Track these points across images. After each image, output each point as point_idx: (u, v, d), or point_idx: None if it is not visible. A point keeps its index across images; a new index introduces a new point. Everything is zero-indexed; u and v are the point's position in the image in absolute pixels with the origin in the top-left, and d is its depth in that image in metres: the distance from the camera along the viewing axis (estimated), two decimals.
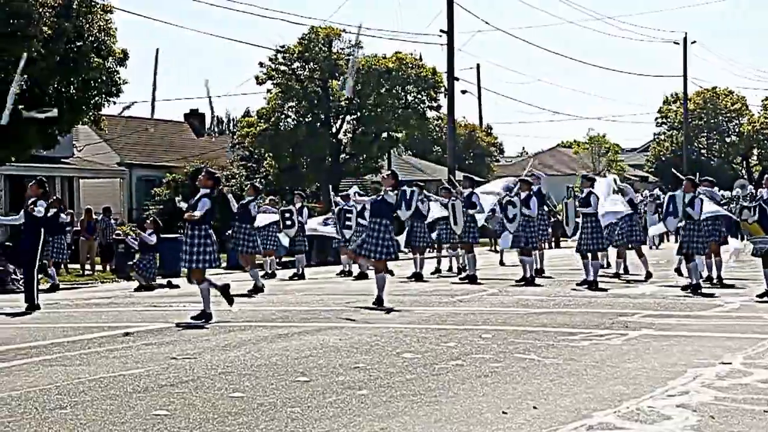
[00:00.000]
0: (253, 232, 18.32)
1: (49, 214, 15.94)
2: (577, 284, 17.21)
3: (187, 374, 8.46)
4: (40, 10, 22.22)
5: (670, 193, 16.61)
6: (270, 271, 22.60)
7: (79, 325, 12.87)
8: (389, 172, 15.64)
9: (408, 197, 16.88)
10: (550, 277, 19.73)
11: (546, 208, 20.56)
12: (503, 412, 6.69)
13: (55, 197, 24.68)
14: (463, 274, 19.68)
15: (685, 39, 60.15)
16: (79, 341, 11.00)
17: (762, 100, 72.18)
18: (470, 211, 19.08)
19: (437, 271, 22.30)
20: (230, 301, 13.16)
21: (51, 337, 11.41)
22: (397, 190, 15.02)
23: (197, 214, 12.84)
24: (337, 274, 22.64)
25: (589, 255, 17.27)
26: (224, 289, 13.09)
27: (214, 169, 14.68)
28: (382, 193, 14.74)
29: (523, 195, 18.64)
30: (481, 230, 20.48)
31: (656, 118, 72.49)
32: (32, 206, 15.10)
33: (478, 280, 18.69)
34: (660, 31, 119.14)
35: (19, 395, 7.64)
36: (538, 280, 18.54)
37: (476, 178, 21.69)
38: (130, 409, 7.01)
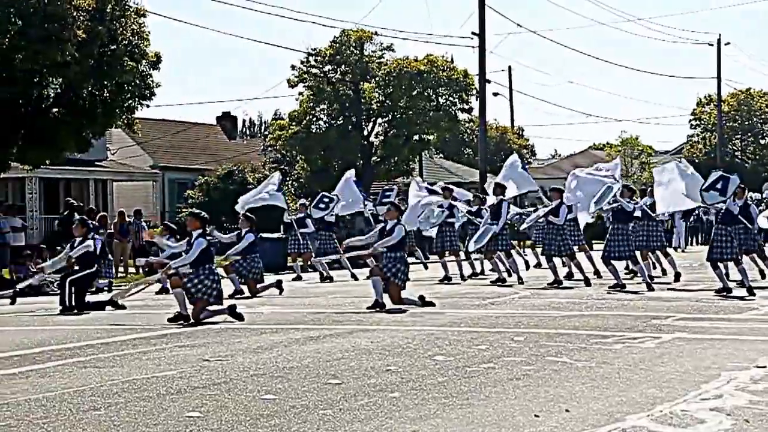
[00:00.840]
0: (257, 259, 18.28)
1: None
2: (610, 288, 17.10)
3: (220, 376, 8.50)
4: (75, 14, 22.40)
5: (721, 173, 15.86)
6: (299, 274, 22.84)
7: (112, 327, 12.97)
8: (389, 206, 16.08)
9: (435, 217, 17.08)
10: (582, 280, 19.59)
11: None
12: (535, 415, 6.67)
13: (89, 207, 25.01)
14: (494, 277, 19.62)
15: (719, 41, 59.74)
16: (113, 343, 11.08)
17: None
18: (492, 227, 19.01)
19: (474, 274, 22.15)
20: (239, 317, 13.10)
21: (85, 339, 11.51)
22: (399, 219, 15.23)
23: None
24: (367, 278, 22.62)
25: (639, 256, 17.82)
26: (231, 310, 13.11)
27: (198, 210, 14.69)
28: (390, 224, 14.88)
29: (554, 203, 18.60)
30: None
31: (690, 120, 71.94)
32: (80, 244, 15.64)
33: (508, 283, 18.73)
34: (691, 32, 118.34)
35: (53, 396, 7.71)
36: (568, 283, 18.49)
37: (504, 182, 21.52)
38: (163, 411, 7.05)
